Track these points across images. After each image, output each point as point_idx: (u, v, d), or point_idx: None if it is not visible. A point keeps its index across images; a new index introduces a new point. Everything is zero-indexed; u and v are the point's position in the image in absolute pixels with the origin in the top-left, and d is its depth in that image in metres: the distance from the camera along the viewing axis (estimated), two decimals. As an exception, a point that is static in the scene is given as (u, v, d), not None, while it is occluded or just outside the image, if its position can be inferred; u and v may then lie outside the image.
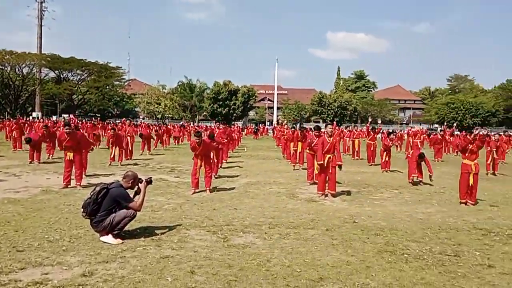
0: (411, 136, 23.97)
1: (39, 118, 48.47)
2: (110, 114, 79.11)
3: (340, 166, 9.62)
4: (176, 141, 28.52)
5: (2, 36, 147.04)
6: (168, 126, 32.16)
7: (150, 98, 71.29)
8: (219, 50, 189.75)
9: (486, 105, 71.16)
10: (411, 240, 6.12)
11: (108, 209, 5.61)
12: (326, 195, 9.50)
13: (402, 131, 39.97)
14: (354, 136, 21.50)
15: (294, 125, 26.33)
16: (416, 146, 19.10)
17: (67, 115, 57.42)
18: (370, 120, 18.61)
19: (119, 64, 78.55)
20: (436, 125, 69.99)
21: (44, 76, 64.60)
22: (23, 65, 58.18)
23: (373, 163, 17.08)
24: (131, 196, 5.93)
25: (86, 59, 64.86)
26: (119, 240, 5.55)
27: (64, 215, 7.06)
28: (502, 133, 20.22)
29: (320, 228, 6.62)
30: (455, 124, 24.76)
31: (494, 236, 6.47)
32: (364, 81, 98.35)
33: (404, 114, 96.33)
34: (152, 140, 21.20)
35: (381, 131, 24.19)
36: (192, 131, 30.75)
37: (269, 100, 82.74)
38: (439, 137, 22.65)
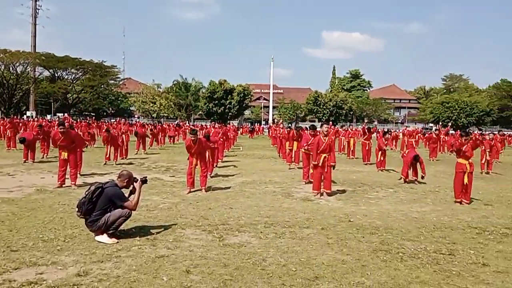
0: (406, 135, 24.07)
1: (33, 117, 48.19)
2: (105, 113, 78.83)
3: (333, 167, 9.66)
4: (171, 140, 28.48)
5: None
6: (163, 125, 32.11)
7: (145, 97, 71.07)
8: (214, 49, 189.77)
9: (480, 104, 71.59)
10: (406, 239, 6.14)
11: (103, 209, 5.58)
12: (322, 194, 9.52)
13: (398, 131, 40.10)
14: (350, 136, 21.56)
15: (289, 125, 26.37)
16: (411, 146, 19.15)
17: (62, 114, 57.10)
18: (366, 120, 18.71)
19: (114, 63, 78.25)
20: (431, 124, 70.29)
21: (39, 75, 64.30)
22: (17, 64, 57.85)
23: (368, 162, 17.13)
24: (126, 195, 5.91)
25: (80, 58, 64.69)
26: (114, 240, 5.53)
27: (58, 214, 7.03)
28: (496, 133, 20.32)
29: (315, 227, 6.63)
30: (449, 124, 24.89)
31: (488, 235, 6.51)
32: (359, 81, 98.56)
33: (399, 114, 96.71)
34: (147, 139, 21.17)
35: (376, 130, 24.25)
36: (187, 130, 30.66)
37: (264, 99, 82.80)
38: (434, 136, 22.77)
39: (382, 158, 14.97)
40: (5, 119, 31.35)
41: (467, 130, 11.52)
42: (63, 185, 9.76)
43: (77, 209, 5.66)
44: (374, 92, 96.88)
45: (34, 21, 61.99)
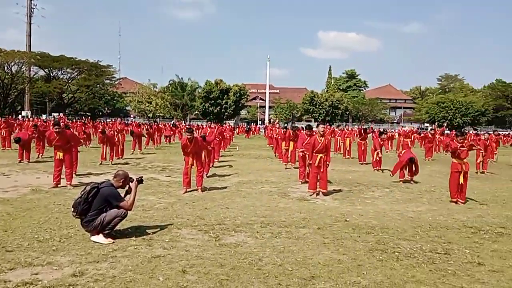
0: (402, 135, 24.16)
1: (29, 117, 47.97)
2: (100, 113, 78.55)
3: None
4: (168, 140, 28.43)
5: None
6: (159, 125, 32.04)
7: (141, 97, 70.90)
8: (211, 48, 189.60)
9: (475, 104, 71.96)
10: (402, 238, 6.16)
11: (98, 209, 5.57)
12: (318, 194, 9.53)
13: (394, 131, 40.26)
14: (346, 135, 21.60)
15: (286, 125, 26.38)
16: (407, 146, 19.22)
17: (57, 114, 56.92)
18: (363, 122, 18.85)
19: (109, 63, 77.80)
20: (426, 124, 70.61)
21: (34, 75, 64.03)
22: (12, 63, 57.57)
23: (364, 162, 17.16)
24: (122, 195, 5.89)
25: (76, 58, 64.55)
26: (110, 240, 5.51)
27: (54, 214, 7.00)
28: (491, 132, 20.43)
29: (311, 227, 6.64)
30: (445, 124, 25.05)
31: (483, 234, 6.54)
32: (355, 80, 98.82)
33: (395, 113, 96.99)
34: (143, 138, 21.12)
35: (372, 131, 24.35)
36: (183, 130, 30.63)
37: (260, 99, 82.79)
38: (430, 135, 22.87)
39: (378, 158, 15.01)
40: (0, 119, 31.17)
41: (462, 130, 11.58)
42: (59, 185, 9.72)
43: (72, 209, 5.64)
44: (370, 92, 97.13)
45: (29, 20, 61.77)
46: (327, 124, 14.11)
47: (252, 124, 67.14)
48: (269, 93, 73.04)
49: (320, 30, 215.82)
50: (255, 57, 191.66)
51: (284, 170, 14.50)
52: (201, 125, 45.71)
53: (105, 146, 14.76)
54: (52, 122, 14.73)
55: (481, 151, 15.66)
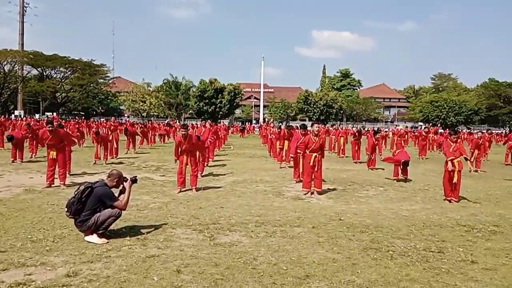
0: (396, 134, 24.28)
1: (22, 116, 47.65)
2: (94, 112, 78.15)
3: None
4: (162, 140, 28.36)
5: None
6: (154, 124, 31.96)
7: (135, 96, 70.59)
8: (205, 48, 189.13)
9: (469, 103, 72.33)
10: (396, 237, 6.18)
11: (92, 209, 5.54)
12: (312, 193, 9.55)
13: (388, 130, 40.44)
14: (340, 135, 21.67)
15: (280, 124, 26.39)
16: (400, 145, 19.31)
17: (51, 113, 56.53)
18: (358, 124, 18.98)
19: (103, 62, 77.45)
20: (420, 123, 70.93)
21: (27, 74, 63.54)
22: (5, 62, 57.12)
23: (358, 161, 17.22)
24: (116, 195, 5.87)
25: (69, 56, 64.08)
26: (104, 240, 5.49)
27: (47, 214, 6.96)
28: (485, 131, 20.58)
29: (306, 226, 6.65)
30: (438, 124, 25.28)
31: (477, 233, 6.58)
32: (349, 80, 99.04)
33: (389, 112, 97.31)
34: (137, 137, 21.05)
35: (366, 131, 24.49)
36: (178, 129, 30.57)
37: (255, 98, 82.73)
38: (424, 133, 23.04)
39: (372, 157, 15.06)
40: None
41: (455, 129, 11.64)
42: (52, 185, 9.67)
43: (66, 209, 5.61)
44: (364, 91, 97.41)
45: (22, 19, 61.35)
46: (320, 126, 14.20)
47: (247, 123, 67.15)
48: (264, 92, 73.06)
49: (314, 29, 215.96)
50: (249, 57, 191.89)
51: (278, 169, 14.51)
52: (196, 124, 45.65)
53: (99, 145, 14.70)
54: (45, 121, 14.66)
55: (471, 149, 15.80)
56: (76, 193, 5.57)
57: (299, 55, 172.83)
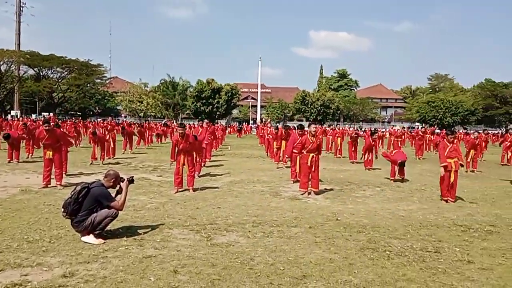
0: (393, 135, 24.35)
1: (18, 116, 47.47)
2: (91, 113, 77.96)
3: None
4: (159, 140, 28.32)
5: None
6: (151, 124, 31.93)
7: (132, 96, 70.49)
8: (202, 48, 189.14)
9: (465, 103, 72.59)
10: (393, 237, 6.19)
11: (89, 209, 5.52)
12: (309, 193, 9.55)
13: (384, 130, 40.54)
14: (337, 135, 21.69)
15: (277, 125, 26.41)
16: (397, 145, 19.41)
17: (47, 113, 56.31)
18: (356, 126, 19.05)
19: (100, 62, 77.17)
20: (417, 124, 71.10)
21: (23, 74, 63.21)
22: (1, 62, 56.82)
23: (355, 161, 17.24)
24: (113, 195, 5.85)
25: (66, 57, 63.76)
26: (100, 240, 5.47)
27: (44, 215, 6.94)
28: (481, 131, 20.65)
29: (303, 226, 6.65)
30: (435, 125, 25.39)
31: (473, 232, 6.59)
32: (346, 80, 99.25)
33: (386, 113, 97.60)
34: (134, 138, 21.01)
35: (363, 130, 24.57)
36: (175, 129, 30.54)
37: (252, 98, 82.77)
38: (420, 133, 23.11)
39: (369, 158, 15.09)
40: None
41: (452, 129, 11.69)
42: (49, 185, 9.64)
43: (62, 209, 5.59)
44: (361, 91, 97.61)
45: (19, 18, 61.01)
46: (319, 125, 14.14)
47: (244, 123, 67.11)
48: (261, 92, 73.11)
49: (311, 30, 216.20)
50: (246, 57, 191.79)
51: (275, 169, 14.51)
52: (193, 124, 45.61)
53: (96, 145, 14.66)
54: (42, 121, 14.62)
55: (471, 149, 15.85)
56: (72, 193, 5.55)
57: (296, 55, 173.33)
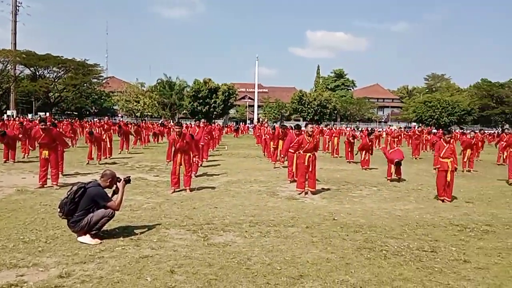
0: (390, 135, 24.41)
1: (14, 116, 47.28)
2: (88, 112, 77.71)
3: None
4: (156, 140, 28.28)
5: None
6: (148, 124, 31.88)
7: (129, 96, 70.27)
8: (199, 48, 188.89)
9: (462, 103, 72.85)
10: (389, 236, 6.21)
11: (85, 209, 5.51)
12: (306, 193, 9.56)
13: (381, 130, 40.65)
14: (334, 135, 21.73)
15: (274, 124, 26.45)
16: (393, 145, 19.46)
17: (43, 113, 56.10)
18: (353, 127, 19.07)
19: (97, 62, 76.92)
20: (414, 123, 71.29)
21: (19, 73, 62.95)
22: (-3, 62, 56.63)
23: (352, 161, 17.27)
24: (109, 195, 5.84)
25: (62, 56, 63.53)
26: (97, 240, 5.46)
27: (40, 215, 6.91)
28: (477, 131, 20.74)
29: (300, 226, 6.65)
30: (431, 125, 25.48)
31: (469, 232, 6.62)
32: (343, 80, 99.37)
33: (383, 113, 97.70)
34: (131, 137, 20.97)
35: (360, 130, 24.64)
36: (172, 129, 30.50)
37: (249, 98, 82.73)
38: (417, 133, 23.19)
39: (366, 158, 15.11)
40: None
41: (449, 129, 11.74)
42: (45, 186, 9.60)
43: (59, 209, 5.57)
44: (358, 91, 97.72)
45: (15, 18, 60.70)
46: (315, 125, 14.17)
47: (241, 123, 67.11)
48: (258, 92, 73.06)
49: (308, 30, 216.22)
50: (243, 57, 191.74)
51: (272, 169, 14.51)
52: (190, 124, 45.60)
53: (92, 145, 14.62)
54: (38, 120, 14.54)
55: (467, 150, 15.91)
56: (69, 193, 5.53)
57: (293, 55, 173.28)
